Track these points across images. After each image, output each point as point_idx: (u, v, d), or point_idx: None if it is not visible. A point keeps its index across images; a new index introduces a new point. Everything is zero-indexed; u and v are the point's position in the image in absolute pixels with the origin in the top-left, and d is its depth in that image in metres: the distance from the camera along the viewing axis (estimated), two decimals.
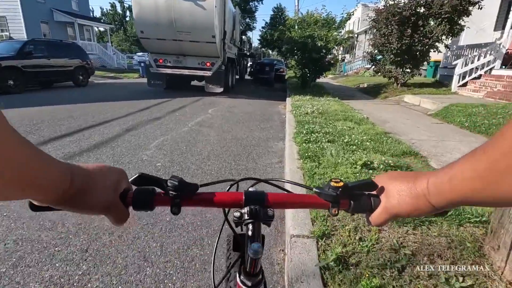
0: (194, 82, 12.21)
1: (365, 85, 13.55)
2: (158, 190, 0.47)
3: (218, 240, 0.67)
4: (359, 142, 3.83)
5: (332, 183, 0.47)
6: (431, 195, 0.38)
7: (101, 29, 28.06)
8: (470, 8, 8.57)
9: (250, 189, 0.54)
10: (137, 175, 0.45)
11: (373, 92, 11.03)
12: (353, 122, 5.31)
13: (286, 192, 0.54)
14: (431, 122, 5.71)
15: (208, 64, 9.32)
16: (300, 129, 4.58)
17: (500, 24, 11.57)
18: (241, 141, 4.52)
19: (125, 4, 41.81)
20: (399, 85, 10.37)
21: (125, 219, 0.46)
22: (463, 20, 8.55)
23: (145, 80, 10.95)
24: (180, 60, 9.34)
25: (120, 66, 24.51)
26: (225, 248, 0.83)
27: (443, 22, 8.52)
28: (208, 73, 9.11)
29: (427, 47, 8.94)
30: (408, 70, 9.84)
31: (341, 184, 0.46)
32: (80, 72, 11.70)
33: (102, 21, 42.43)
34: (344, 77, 20.32)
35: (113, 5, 42.33)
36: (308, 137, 4.07)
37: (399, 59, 9.41)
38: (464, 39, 11.72)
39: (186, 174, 3.15)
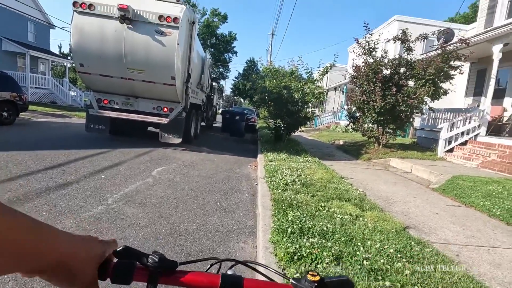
0: (152, 127, 10.37)
1: (341, 142, 12.66)
2: (139, 264, 0.47)
3: None
4: (384, 263, 2.20)
5: (309, 276, 0.46)
6: None
7: (68, 65, 26.02)
8: (452, 72, 8.18)
9: (229, 272, 0.54)
10: (122, 247, 0.47)
11: (353, 151, 9.98)
12: (351, 203, 3.76)
13: (264, 280, 0.53)
14: (447, 204, 4.37)
15: (165, 109, 7.68)
16: (282, 222, 2.88)
17: (471, 91, 11.66)
18: (184, 241, 2.69)
19: None
20: (380, 145, 9.44)
21: None
22: (450, 83, 8.05)
23: None
24: (131, 102, 7.62)
25: (75, 103, 22.14)
26: None
27: (427, 84, 7.94)
28: (165, 120, 7.41)
29: (411, 108, 8.21)
30: (390, 130, 9.00)
31: (318, 278, 0.46)
32: (5, 107, 9.44)
33: (69, 57, 40.35)
34: (317, 131, 19.77)
35: None
36: (297, 245, 2.37)
37: (382, 118, 8.56)
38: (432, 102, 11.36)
39: None
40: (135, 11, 6.41)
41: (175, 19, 6.47)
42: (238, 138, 12.95)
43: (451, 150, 8.49)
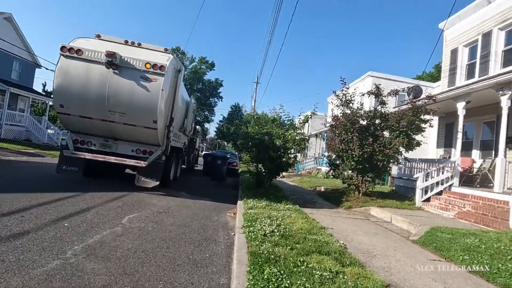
0: (129, 170, 10.01)
1: (323, 189, 12.67)
2: None
3: None
4: None
5: None
6: None
7: (50, 103, 25.89)
8: (423, 125, 8.71)
9: None
10: None
11: (333, 198, 9.94)
12: (331, 257, 3.60)
13: None
14: (427, 259, 4.28)
15: (145, 152, 7.51)
16: (257, 280, 2.67)
17: (442, 143, 12.36)
18: None
19: None
20: (360, 193, 9.50)
21: None
22: (422, 136, 8.53)
23: None
24: (109, 144, 7.43)
25: (52, 142, 21.43)
26: None
27: (401, 135, 8.36)
28: (143, 164, 7.19)
29: (388, 157, 8.50)
30: (369, 179, 9.17)
31: None
32: None
33: (51, 96, 40.21)
34: (299, 177, 19.84)
35: None
36: None
37: (360, 166, 8.76)
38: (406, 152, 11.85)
39: None
40: (123, 57, 6.60)
41: (161, 67, 6.68)
42: (219, 182, 12.69)
43: (428, 200, 8.65)
